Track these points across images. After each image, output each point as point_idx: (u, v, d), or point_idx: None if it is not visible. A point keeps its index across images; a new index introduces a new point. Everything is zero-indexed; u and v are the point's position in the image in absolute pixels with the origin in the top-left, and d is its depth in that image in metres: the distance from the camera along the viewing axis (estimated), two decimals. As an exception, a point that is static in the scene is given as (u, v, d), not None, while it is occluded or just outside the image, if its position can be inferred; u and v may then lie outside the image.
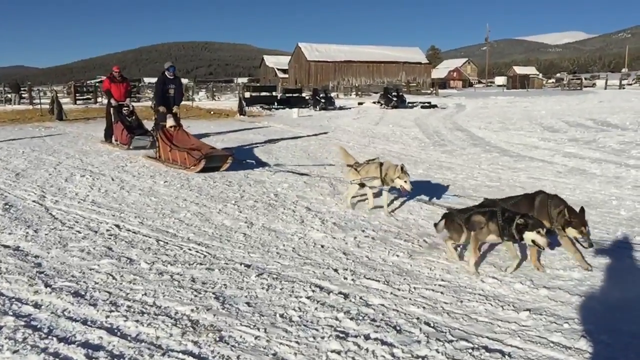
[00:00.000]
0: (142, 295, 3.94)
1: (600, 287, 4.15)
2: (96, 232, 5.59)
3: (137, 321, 3.50)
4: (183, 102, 13.24)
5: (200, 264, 4.65)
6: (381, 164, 6.41)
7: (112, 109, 12.69)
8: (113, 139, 12.77)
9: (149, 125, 12.69)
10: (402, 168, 6.15)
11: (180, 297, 3.90)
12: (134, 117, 12.84)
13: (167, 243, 5.24)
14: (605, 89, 62.02)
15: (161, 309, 3.71)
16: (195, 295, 3.94)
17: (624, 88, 64.23)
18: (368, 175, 6.44)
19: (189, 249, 5.05)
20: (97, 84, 45.35)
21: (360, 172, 6.57)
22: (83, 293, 3.97)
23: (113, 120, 12.68)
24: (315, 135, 15.78)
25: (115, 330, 3.39)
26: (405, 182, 6.10)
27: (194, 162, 8.99)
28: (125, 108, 12.74)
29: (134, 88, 40.02)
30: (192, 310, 3.67)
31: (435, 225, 5.13)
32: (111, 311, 3.64)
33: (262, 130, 17.59)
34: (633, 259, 4.76)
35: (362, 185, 6.60)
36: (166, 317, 3.57)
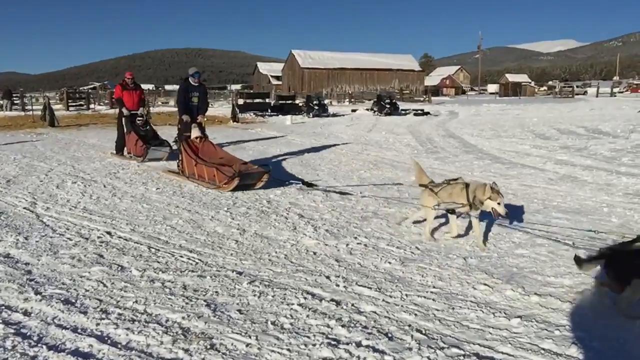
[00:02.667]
0: (133, 302, 3.92)
1: (591, 294, 4.15)
2: (87, 239, 5.57)
3: (127, 329, 3.48)
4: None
5: (192, 271, 4.63)
6: (467, 185, 5.43)
7: (124, 118, 11.80)
8: (125, 151, 11.93)
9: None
10: (492, 187, 5.16)
11: (171, 305, 3.89)
12: (148, 128, 11.94)
13: (158, 250, 5.22)
14: (597, 96, 62.49)
15: (152, 316, 3.69)
16: (187, 303, 3.92)
17: (615, 96, 64.78)
18: (452, 199, 5.49)
19: (181, 256, 5.03)
20: (89, 91, 45.37)
21: (440, 195, 5.61)
22: (73, 300, 3.94)
23: (125, 130, 11.81)
24: (309, 141, 15.79)
25: (106, 338, 3.37)
26: (499, 203, 5.09)
27: (226, 179, 8.07)
28: (139, 118, 11.79)
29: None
30: (183, 318, 3.65)
31: (579, 261, 4.09)
32: (101, 319, 3.62)
33: (255, 136, 17.59)
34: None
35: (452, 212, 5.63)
36: (157, 324, 3.56)
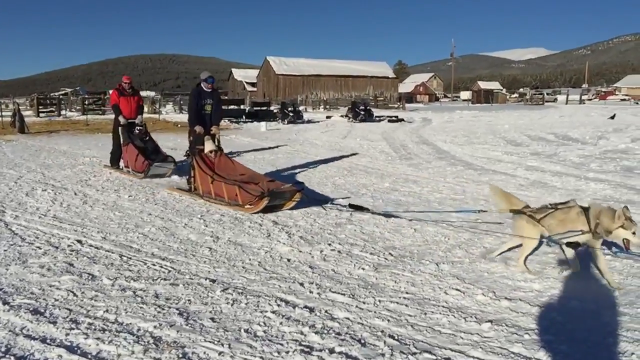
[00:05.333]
0: (104, 312, 3.87)
1: (559, 298, 4.24)
2: (57, 247, 5.48)
3: (98, 339, 3.43)
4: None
5: (165, 279, 4.59)
6: (585, 209, 4.55)
7: (120, 128, 10.66)
8: (122, 164, 10.77)
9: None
10: (624, 213, 4.29)
11: (143, 314, 3.85)
12: (148, 138, 10.85)
13: (130, 258, 5.16)
14: (566, 103, 63.90)
15: (123, 325, 3.65)
16: (159, 312, 3.88)
17: (584, 103, 66.38)
18: (565, 227, 4.61)
19: (153, 264, 4.98)
20: (60, 97, 44.64)
21: (546, 222, 4.74)
22: (42, 310, 3.87)
23: (122, 141, 10.65)
24: (284, 148, 15.80)
25: (75, 349, 3.32)
26: (634, 233, 4.27)
27: (251, 199, 7.10)
28: (138, 127, 10.70)
29: (98, 101, 39.61)
30: (155, 327, 3.62)
31: None
32: (71, 329, 3.57)
33: (230, 143, 17.50)
34: (592, 269, 4.88)
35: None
36: (128, 334, 3.51)
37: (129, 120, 10.71)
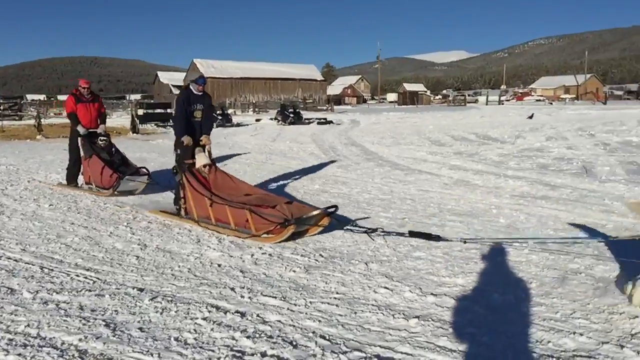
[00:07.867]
0: (25, 326, 3.70)
1: (482, 291, 4.43)
2: (-29, 262, 5.19)
3: (19, 355, 3.29)
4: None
5: (89, 290, 4.45)
6: None
7: (79, 139, 9.15)
8: (82, 180, 9.36)
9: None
10: None
11: (67, 327, 3.71)
12: (114, 150, 9.41)
13: (52, 270, 4.96)
14: (487, 104, 66.75)
15: (46, 340, 3.51)
16: (84, 324, 3.76)
17: (502, 104, 69.60)
18: None
19: (77, 275, 4.81)
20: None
21: None
22: (-44, 329, 3.67)
23: (83, 155, 9.16)
24: (215, 154, 15.59)
25: (-6, 367, 3.17)
26: None
27: (270, 226, 5.92)
28: (102, 138, 9.22)
29: (14, 106, 37.63)
30: (80, 340, 3.50)
31: None
32: (-11, 346, 3.40)
33: (157, 148, 17.12)
34: (511, 263, 5.13)
35: None
36: (51, 348, 3.38)
37: (90, 130, 9.24)
